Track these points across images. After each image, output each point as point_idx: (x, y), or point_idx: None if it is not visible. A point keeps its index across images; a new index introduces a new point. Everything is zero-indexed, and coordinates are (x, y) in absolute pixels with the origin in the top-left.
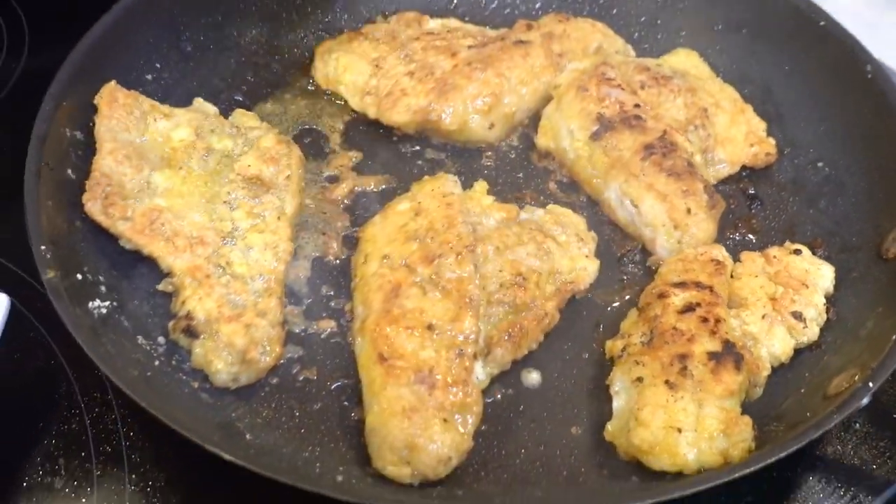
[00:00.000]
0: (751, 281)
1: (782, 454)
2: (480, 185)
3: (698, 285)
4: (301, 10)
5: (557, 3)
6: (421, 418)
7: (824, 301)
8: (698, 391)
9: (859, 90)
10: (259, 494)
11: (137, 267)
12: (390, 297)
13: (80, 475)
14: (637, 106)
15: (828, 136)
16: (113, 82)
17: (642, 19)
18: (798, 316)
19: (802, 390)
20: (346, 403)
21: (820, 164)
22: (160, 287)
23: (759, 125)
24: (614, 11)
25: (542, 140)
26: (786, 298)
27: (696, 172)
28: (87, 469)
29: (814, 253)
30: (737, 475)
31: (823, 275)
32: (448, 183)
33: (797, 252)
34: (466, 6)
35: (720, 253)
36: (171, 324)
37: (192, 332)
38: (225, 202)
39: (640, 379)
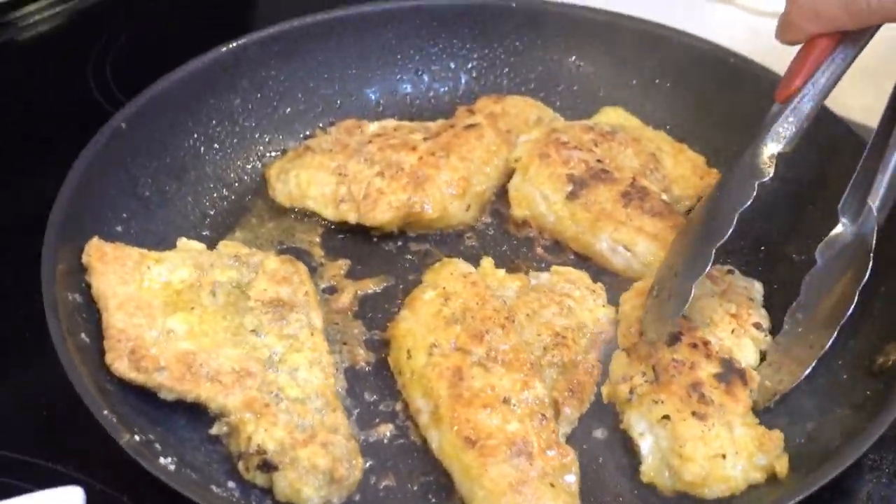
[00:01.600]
0: (709, 302)
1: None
2: (487, 262)
3: None
4: (240, 137)
5: (477, 88)
6: (531, 489)
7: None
8: (723, 415)
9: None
10: None
11: (175, 419)
12: (455, 382)
13: None
14: (599, 161)
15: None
16: (96, 238)
17: (559, 88)
18: (759, 327)
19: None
20: (434, 500)
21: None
22: (214, 431)
23: (700, 159)
24: (532, 86)
25: (518, 211)
26: (743, 313)
27: (673, 209)
28: None
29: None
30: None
31: (757, 289)
32: (461, 265)
33: (731, 272)
34: (394, 108)
35: None
36: (240, 464)
37: (269, 466)
38: (252, 331)
39: (666, 417)
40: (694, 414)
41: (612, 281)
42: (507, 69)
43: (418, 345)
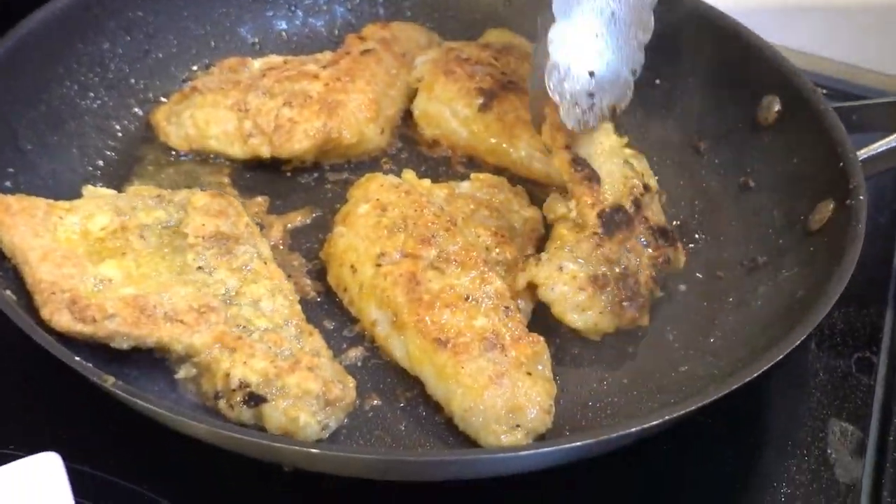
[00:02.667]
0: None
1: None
2: (409, 173)
3: None
4: (115, 84)
5: (354, 20)
6: (509, 380)
7: None
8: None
9: None
10: None
11: (127, 372)
12: (412, 287)
13: None
14: (504, 73)
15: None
16: None
17: (436, 15)
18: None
19: None
20: (424, 412)
21: (657, 82)
22: (181, 375)
23: None
24: (409, 14)
25: (428, 130)
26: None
27: None
28: None
29: None
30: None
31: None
32: (388, 177)
33: None
34: (271, 46)
35: None
36: (220, 403)
37: (256, 399)
38: (199, 268)
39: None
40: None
41: (532, 189)
42: None
43: (362, 258)
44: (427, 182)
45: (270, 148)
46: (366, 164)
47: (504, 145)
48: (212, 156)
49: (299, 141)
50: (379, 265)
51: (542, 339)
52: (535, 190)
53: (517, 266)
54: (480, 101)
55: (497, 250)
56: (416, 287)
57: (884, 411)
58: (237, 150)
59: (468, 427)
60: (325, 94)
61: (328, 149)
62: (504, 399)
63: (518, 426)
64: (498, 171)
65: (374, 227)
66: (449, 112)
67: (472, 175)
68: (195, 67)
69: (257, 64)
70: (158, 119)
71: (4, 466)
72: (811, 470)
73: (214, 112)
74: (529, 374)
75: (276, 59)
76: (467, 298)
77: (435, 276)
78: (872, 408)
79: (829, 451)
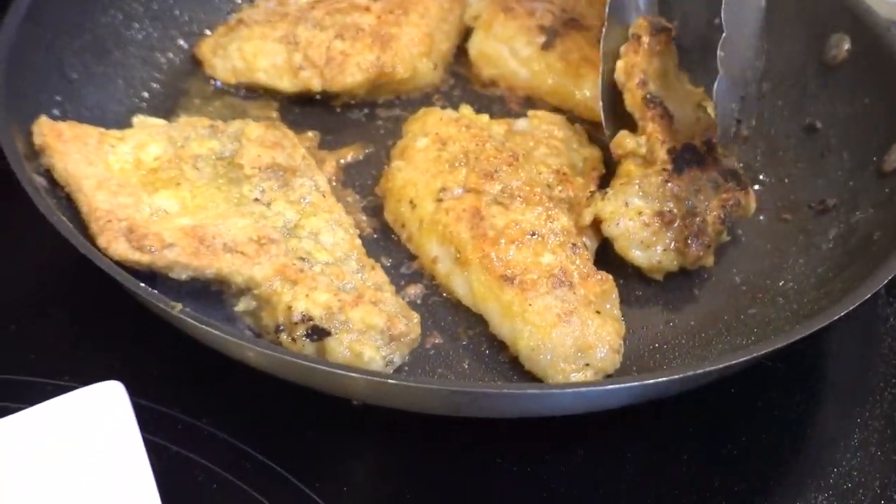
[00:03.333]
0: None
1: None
2: (467, 108)
3: None
4: (159, 15)
5: None
6: (578, 318)
7: None
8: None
9: None
10: None
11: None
12: (476, 222)
13: None
14: (564, 10)
15: None
16: (44, 116)
17: None
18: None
19: None
20: (487, 351)
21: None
22: (240, 308)
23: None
24: None
25: (486, 70)
26: None
27: None
28: None
29: None
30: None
31: None
32: (446, 111)
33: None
34: None
35: None
36: (282, 337)
37: (320, 333)
38: (256, 200)
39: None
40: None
41: (591, 128)
42: None
43: (422, 193)
44: (485, 117)
45: (322, 81)
46: (417, 100)
47: (568, 85)
48: (260, 90)
49: (352, 74)
50: (440, 200)
51: (610, 277)
52: (596, 131)
53: (580, 204)
54: (542, 39)
55: (559, 188)
56: (480, 222)
57: None
58: (287, 84)
59: (535, 366)
60: (377, 27)
61: (380, 83)
62: (573, 337)
63: (587, 365)
64: (558, 112)
65: (435, 160)
66: (508, 51)
67: (530, 112)
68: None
69: None
70: (204, 52)
71: (69, 394)
72: (885, 415)
73: (262, 44)
74: (598, 312)
75: None
76: (533, 234)
77: (499, 211)
78: None
79: None
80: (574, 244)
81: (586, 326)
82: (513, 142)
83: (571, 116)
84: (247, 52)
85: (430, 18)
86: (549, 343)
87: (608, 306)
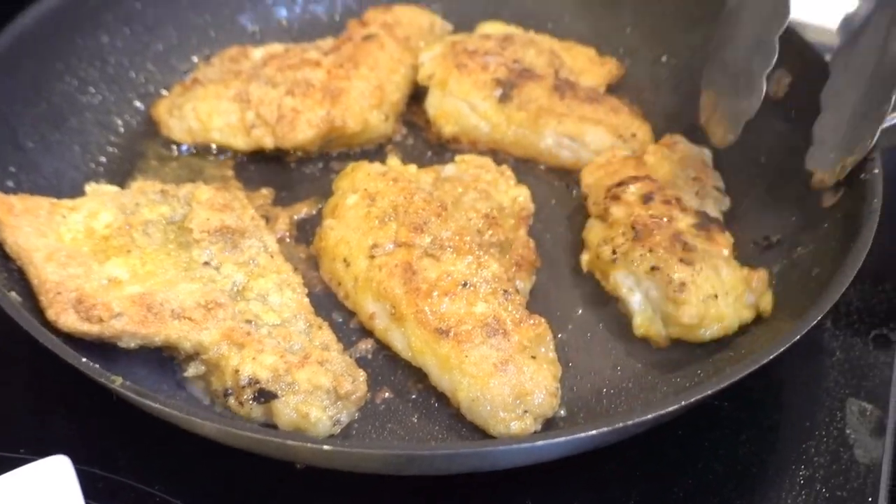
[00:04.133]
0: (666, 166)
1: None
2: (394, 160)
3: (637, 178)
4: (115, 78)
5: (356, 6)
6: (514, 365)
7: None
8: (708, 259)
9: None
10: None
11: (135, 371)
12: (408, 277)
13: None
14: (516, 62)
15: (649, 34)
16: None
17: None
18: (718, 189)
19: None
20: (436, 404)
21: (664, 59)
22: (189, 373)
23: (591, 51)
24: None
25: (446, 128)
26: (703, 176)
27: (601, 94)
28: None
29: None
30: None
31: (707, 154)
32: (373, 165)
33: (676, 142)
34: (272, 35)
35: (628, 149)
36: (230, 401)
37: (267, 395)
38: (205, 263)
39: (654, 268)
40: (681, 260)
41: (547, 175)
42: None
43: (355, 251)
44: (413, 167)
45: (274, 139)
46: (371, 151)
47: (529, 135)
48: (214, 148)
49: (302, 131)
50: (372, 257)
51: (543, 320)
52: (552, 176)
53: (511, 247)
54: (499, 92)
55: (490, 232)
56: (413, 276)
57: None
58: (241, 142)
59: (476, 417)
60: (327, 82)
61: (332, 138)
62: (510, 386)
63: (526, 412)
64: (524, 161)
65: (365, 217)
66: (467, 107)
67: (457, 157)
68: (195, 59)
69: (258, 53)
70: (160, 112)
71: (14, 471)
72: (830, 451)
73: (217, 104)
74: (534, 357)
75: (277, 47)
76: (465, 284)
77: (430, 263)
78: (891, 385)
79: (847, 431)
80: (506, 290)
81: (522, 373)
82: (441, 190)
83: (540, 165)
84: (201, 113)
85: (379, 70)
86: (488, 393)
87: (542, 350)
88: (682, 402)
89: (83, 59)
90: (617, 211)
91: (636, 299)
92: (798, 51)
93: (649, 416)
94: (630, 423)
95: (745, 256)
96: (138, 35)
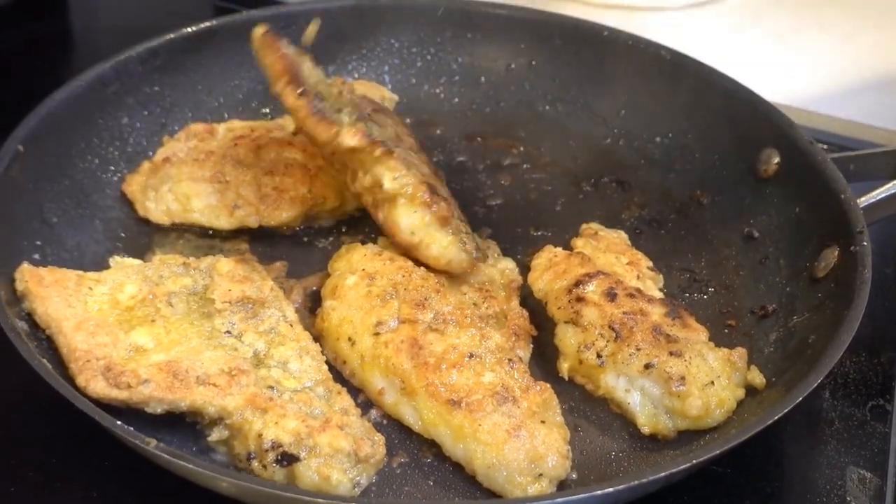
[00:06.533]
0: (601, 256)
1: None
2: (383, 240)
3: (590, 276)
4: (133, 157)
5: None
6: (526, 431)
7: None
8: (692, 346)
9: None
10: None
11: (160, 436)
12: (415, 352)
13: None
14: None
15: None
16: (26, 263)
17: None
18: (652, 268)
19: None
20: (451, 468)
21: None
22: (213, 438)
23: None
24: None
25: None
26: (634, 259)
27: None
28: None
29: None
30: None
31: (624, 237)
32: (368, 246)
33: (595, 231)
34: (283, 113)
35: (570, 246)
36: (253, 464)
37: (289, 459)
38: (227, 332)
39: (648, 366)
40: (671, 353)
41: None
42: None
43: (359, 329)
44: None
45: (258, 218)
46: (353, 219)
47: None
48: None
49: (287, 209)
50: (377, 334)
51: (548, 385)
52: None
53: (506, 318)
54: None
55: (486, 305)
56: (420, 351)
57: None
58: (223, 222)
59: (493, 483)
60: (304, 160)
61: (315, 212)
62: (524, 451)
63: (541, 475)
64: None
65: (366, 296)
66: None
67: None
68: (157, 137)
69: (222, 130)
70: (133, 192)
71: None
72: None
73: (194, 185)
74: (543, 422)
75: (239, 123)
76: (471, 356)
77: (436, 338)
78: (889, 454)
79: (848, 498)
80: (510, 359)
81: (534, 437)
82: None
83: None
84: (179, 194)
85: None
86: (503, 459)
87: (550, 414)
88: (694, 461)
89: (104, 139)
90: (589, 313)
91: (634, 399)
92: (784, 132)
93: (662, 475)
94: (645, 480)
95: (743, 325)
96: (156, 117)
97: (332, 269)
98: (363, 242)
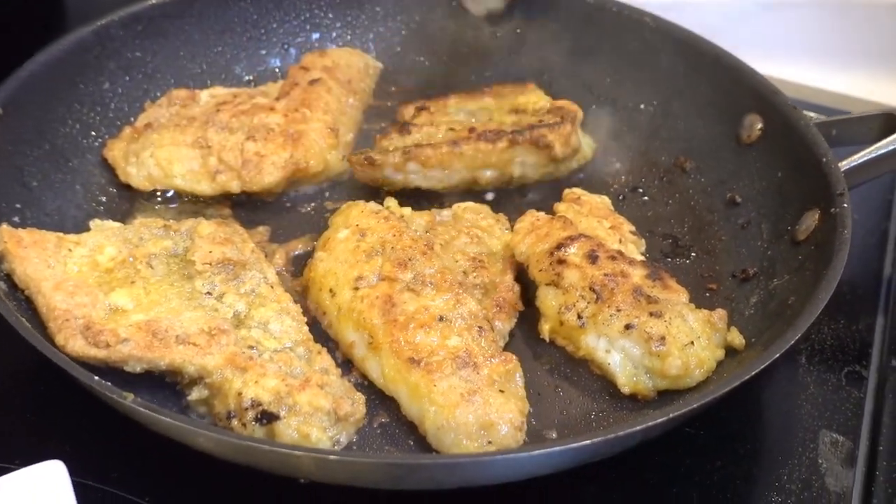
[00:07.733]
0: (584, 220)
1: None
2: (392, 201)
3: (572, 238)
4: (114, 123)
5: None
6: (481, 397)
7: None
8: (673, 307)
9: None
10: None
11: (140, 394)
12: (387, 309)
13: None
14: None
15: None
16: (5, 224)
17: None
18: (634, 233)
19: None
20: None
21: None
22: (193, 397)
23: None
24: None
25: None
26: (616, 223)
27: None
28: None
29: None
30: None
31: (607, 201)
32: (369, 204)
33: (578, 196)
34: (266, 82)
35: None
36: (233, 422)
37: (269, 417)
38: (207, 293)
39: (628, 326)
40: (651, 314)
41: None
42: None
43: (341, 282)
44: (408, 210)
45: (240, 183)
46: (338, 186)
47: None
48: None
49: (269, 174)
50: (356, 288)
51: (514, 357)
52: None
53: (495, 289)
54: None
55: (474, 274)
56: (392, 309)
57: (874, 422)
58: (205, 188)
59: (441, 445)
60: (285, 125)
61: (295, 179)
62: (476, 416)
63: (490, 442)
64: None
65: (353, 251)
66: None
67: (455, 205)
68: (139, 103)
69: (205, 96)
70: (115, 157)
71: (9, 475)
72: (802, 479)
73: (176, 150)
74: (502, 391)
75: (222, 90)
76: (441, 319)
77: (411, 297)
78: (863, 419)
79: (819, 460)
80: (480, 327)
81: (489, 405)
82: (434, 232)
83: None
84: (160, 159)
85: (332, 113)
86: (453, 421)
87: (511, 385)
88: (671, 415)
89: (85, 104)
90: (571, 275)
91: (614, 360)
92: (767, 97)
93: (638, 428)
94: (622, 433)
95: (724, 289)
96: (138, 82)
97: (330, 223)
98: None
